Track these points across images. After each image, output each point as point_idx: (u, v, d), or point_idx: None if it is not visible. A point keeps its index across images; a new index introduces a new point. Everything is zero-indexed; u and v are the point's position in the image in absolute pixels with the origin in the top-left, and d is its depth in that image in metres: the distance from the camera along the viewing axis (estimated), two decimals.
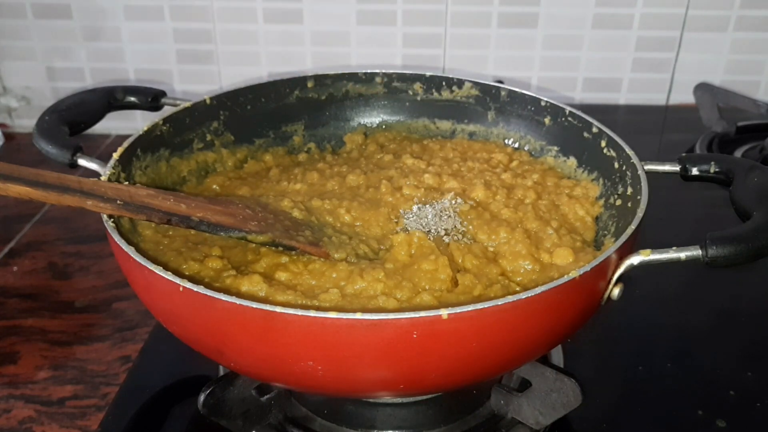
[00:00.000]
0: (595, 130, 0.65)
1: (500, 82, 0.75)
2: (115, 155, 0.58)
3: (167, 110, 0.66)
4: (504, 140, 0.74)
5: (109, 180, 0.55)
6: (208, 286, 0.45)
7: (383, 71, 0.76)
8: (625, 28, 1.05)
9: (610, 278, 0.47)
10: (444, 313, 0.40)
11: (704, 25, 1.05)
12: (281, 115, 0.74)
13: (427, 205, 0.62)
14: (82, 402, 0.61)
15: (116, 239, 0.47)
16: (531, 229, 0.59)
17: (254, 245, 0.55)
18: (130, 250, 0.46)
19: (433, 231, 0.58)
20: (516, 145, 0.73)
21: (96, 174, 0.57)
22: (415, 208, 0.61)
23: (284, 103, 0.74)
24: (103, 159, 0.58)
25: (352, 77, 0.76)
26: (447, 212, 0.61)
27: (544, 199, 0.64)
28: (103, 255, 0.80)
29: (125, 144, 0.60)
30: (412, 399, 0.58)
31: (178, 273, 0.48)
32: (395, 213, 0.61)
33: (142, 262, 0.45)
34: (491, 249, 0.57)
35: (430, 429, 0.57)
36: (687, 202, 0.87)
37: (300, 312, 0.40)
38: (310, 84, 0.75)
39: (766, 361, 0.65)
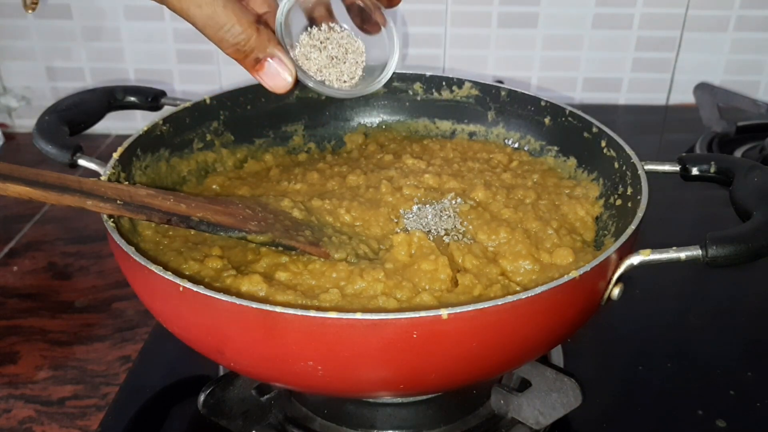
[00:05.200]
0: (595, 130, 0.65)
1: (500, 82, 0.75)
2: (115, 155, 0.58)
3: (167, 110, 0.66)
4: (504, 140, 0.74)
5: (109, 180, 0.55)
6: (208, 286, 0.45)
7: None
8: (625, 28, 1.05)
9: (610, 278, 0.47)
10: (444, 313, 0.40)
11: (704, 25, 1.05)
12: (281, 115, 0.74)
13: (427, 205, 0.62)
14: (82, 402, 0.61)
15: (116, 239, 0.47)
16: (531, 229, 0.59)
17: (254, 245, 0.55)
18: (130, 250, 0.46)
19: (433, 231, 0.58)
20: (516, 145, 0.73)
21: (96, 174, 0.57)
22: (415, 208, 0.61)
23: (284, 103, 0.74)
24: (103, 159, 0.58)
25: None
26: (447, 212, 0.61)
27: (544, 199, 0.64)
28: (103, 255, 0.80)
29: (125, 144, 0.60)
30: (412, 399, 0.58)
31: (178, 273, 0.48)
32: (395, 213, 0.61)
33: (142, 262, 0.45)
34: (491, 249, 0.57)
35: (430, 429, 0.57)
36: (687, 202, 0.87)
37: (300, 312, 0.40)
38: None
39: (766, 361, 0.65)
